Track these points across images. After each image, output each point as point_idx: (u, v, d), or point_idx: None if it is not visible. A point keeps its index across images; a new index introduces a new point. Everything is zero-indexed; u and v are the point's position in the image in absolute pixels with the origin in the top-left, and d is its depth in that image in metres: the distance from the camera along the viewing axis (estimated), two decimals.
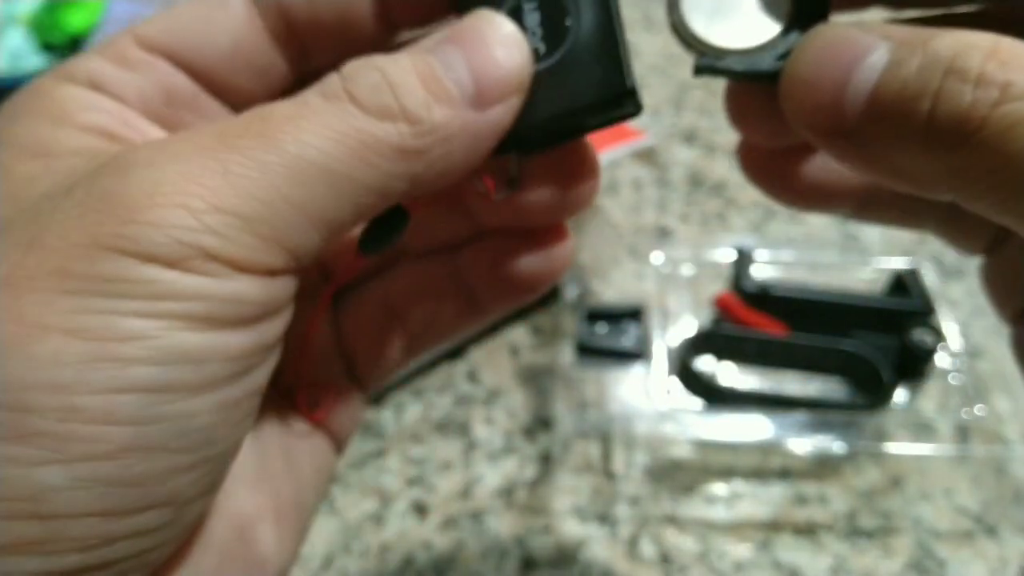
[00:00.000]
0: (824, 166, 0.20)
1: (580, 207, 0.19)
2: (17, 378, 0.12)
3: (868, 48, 0.14)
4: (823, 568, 0.37)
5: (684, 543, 0.37)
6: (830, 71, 0.14)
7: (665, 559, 0.37)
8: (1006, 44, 0.13)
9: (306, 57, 0.18)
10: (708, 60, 0.17)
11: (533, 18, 0.16)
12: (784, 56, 0.16)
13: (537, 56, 0.16)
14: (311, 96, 0.15)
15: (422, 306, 0.21)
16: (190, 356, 0.13)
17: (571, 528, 0.38)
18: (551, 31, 0.16)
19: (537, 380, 0.44)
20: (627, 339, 0.40)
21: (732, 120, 0.19)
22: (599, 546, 0.37)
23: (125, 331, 0.13)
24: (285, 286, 0.14)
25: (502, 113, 0.15)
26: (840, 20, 0.16)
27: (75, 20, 0.72)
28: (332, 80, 0.15)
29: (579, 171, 0.18)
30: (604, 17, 0.16)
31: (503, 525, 0.38)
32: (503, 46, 0.16)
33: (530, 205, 0.18)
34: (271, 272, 0.14)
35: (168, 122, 0.17)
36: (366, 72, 0.15)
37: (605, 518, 0.38)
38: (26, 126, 0.16)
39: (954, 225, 0.20)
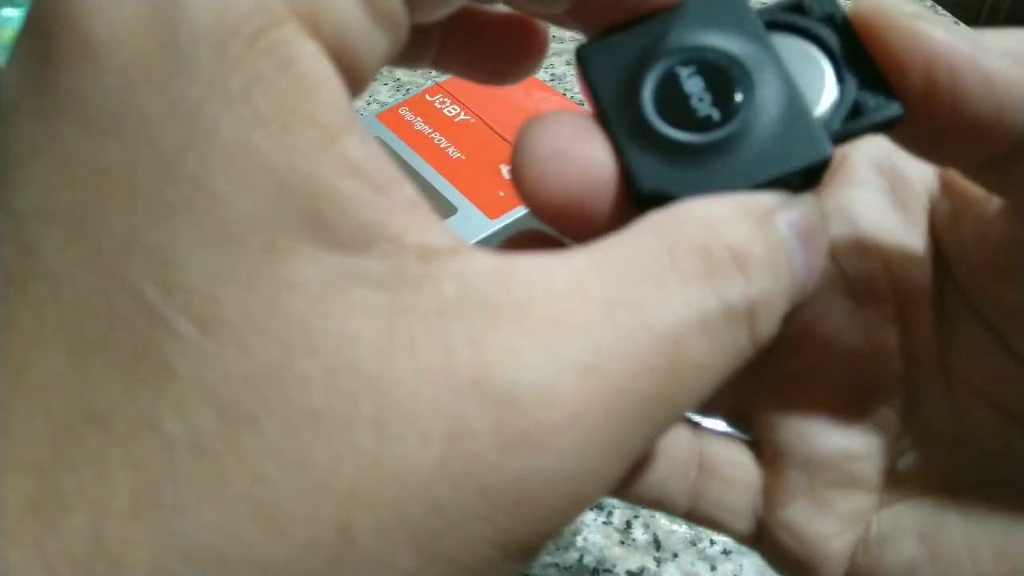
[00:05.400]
0: None
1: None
2: None
3: None
4: None
5: (675, 529, 0.39)
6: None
7: (657, 545, 0.38)
8: None
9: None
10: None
11: (695, 82, 0.15)
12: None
13: (711, 124, 0.14)
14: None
15: None
16: None
17: None
18: (720, 99, 0.14)
19: None
20: None
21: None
22: (594, 532, 0.39)
23: None
24: None
25: None
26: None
27: None
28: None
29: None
30: (785, 86, 0.14)
31: None
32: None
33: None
34: None
35: None
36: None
37: (600, 506, 0.40)
38: (273, 135, 0.10)
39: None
